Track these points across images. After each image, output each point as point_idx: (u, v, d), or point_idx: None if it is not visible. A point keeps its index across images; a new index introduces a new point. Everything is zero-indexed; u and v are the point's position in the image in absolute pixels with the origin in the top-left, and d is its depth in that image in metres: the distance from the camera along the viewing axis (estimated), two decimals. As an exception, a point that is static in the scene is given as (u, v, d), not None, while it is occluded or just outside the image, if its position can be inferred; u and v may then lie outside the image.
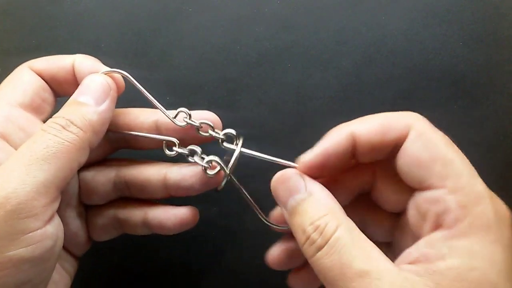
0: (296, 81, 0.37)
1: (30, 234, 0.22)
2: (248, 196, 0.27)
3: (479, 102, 0.37)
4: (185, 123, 0.28)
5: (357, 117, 0.37)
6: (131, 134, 0.29)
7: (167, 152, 0.29)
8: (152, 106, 0.28)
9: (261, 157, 0.27)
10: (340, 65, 0.37)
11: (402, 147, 0.23)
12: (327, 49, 0.38)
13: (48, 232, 0.23)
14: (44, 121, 0.27)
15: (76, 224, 0.29)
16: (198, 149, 0.28)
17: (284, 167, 0.26)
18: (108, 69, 0.28)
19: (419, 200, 0.23)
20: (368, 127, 0.24)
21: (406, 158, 0.23)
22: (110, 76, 0.28)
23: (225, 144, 0.28)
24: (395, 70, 0.37)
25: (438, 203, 0.21)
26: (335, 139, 0.25)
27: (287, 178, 0.25)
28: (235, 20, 0.38)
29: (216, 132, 0.28)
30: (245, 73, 0.38)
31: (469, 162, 0.23)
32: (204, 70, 0.38)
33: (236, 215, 0.37)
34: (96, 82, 0.27)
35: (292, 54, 0.38)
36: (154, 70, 0.38)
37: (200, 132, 0.29)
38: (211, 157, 0.27)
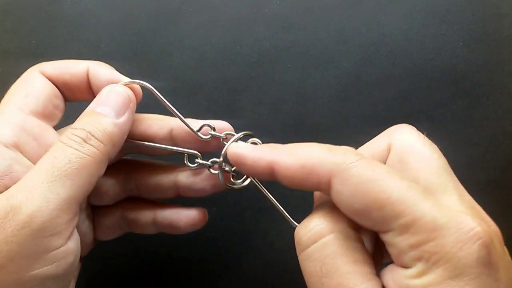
0: (296, 81, 0.37)
1: (54, 252, 0.22)
2: (273, 198, 0.27)
3: (479, 102, 0.37)
4: (209, 135, 0.28)
5: (357, 117, 0.38)
6: (150, 145, 0.28)
7: (189, 164, 0.28)
8: (168, 113, 0.28)
9: None
10: (340, 65, 0.37)
11: (332, 198, 0.22)
12: (327, 49, 0.38)
13: (70, 248, 0.23)
14: (55, 127, 0.27)
15: (85, 226, 0.29)
16: (219, 160, 0.28)
17: None
18: (128, 80, 0.27)
19: (383, 239, 0.21)
20: (290, 165, 0.22)
21: (343, 209, 0.21)
22: (129, 87, 0.26)
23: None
24: (395, 70, 0.37)
25: (392, 246, 0.20)
26: (254, 161, 0.24)
27: None
28: (235, 20, 0.38)
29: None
30: (245, 73, 0.38)
31: (416, 184, 0.20)
32: (204, 70, 0.38)
33: (236, 215, 0.37)
34: (116, 93, 0.26)
35: (292, 54, 0.38)
36: (154, 70, 0.38)
37: (225, 142, 0.28)
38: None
